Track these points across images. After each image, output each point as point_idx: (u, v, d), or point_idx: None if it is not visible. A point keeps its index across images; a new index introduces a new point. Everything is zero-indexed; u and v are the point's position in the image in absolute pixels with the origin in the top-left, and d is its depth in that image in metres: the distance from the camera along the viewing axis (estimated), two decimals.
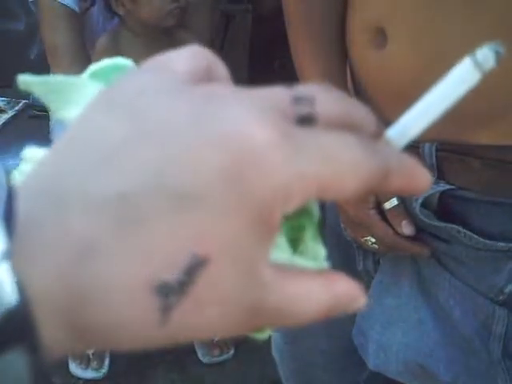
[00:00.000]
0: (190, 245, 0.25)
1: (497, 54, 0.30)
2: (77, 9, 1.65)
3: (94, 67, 0.34)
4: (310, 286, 0.28)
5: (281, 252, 0.29)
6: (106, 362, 1.99)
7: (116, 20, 1.72)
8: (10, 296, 0.23)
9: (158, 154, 0.25)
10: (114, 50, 1.63)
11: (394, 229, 0.86)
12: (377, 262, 1.01)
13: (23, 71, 0.33)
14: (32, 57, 2.41)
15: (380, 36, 0.81)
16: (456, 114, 0.79)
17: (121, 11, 1.65)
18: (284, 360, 1.29)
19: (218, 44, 2.21)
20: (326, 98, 0.29)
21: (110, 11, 1.67)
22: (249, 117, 0.26)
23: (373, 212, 0.86)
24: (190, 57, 0.29)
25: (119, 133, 0.25)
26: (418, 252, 0.88)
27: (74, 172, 0.25)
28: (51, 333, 0.25)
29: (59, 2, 1.62)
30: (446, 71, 0.76)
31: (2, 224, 0.24)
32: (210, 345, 2.04)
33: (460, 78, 0.31)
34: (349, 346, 1.05)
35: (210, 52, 0.30)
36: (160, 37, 1.70)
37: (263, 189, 0.25)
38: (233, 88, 0.28)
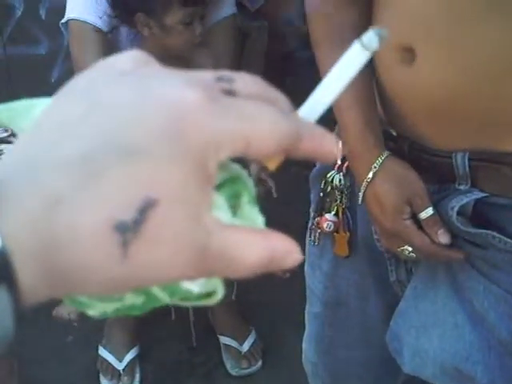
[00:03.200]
0: (142, 189, 0.29)
1: (380, 37, 0.36)
2: (105, 28, 1.69)
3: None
4: (250, 237, 0.32)
5: (222, 213, 0.33)
6: (137, 377, 2.02)
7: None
8: None
9: (110, 121, 0.30)
10: None
11: (430, 237, 0.89)
12: (409, 272, 1.03)
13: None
14: (53, 80, 2.44)
15: (408, 53, 0.83)
16: (488, 123, 0.82)
17: (145, 33, 1.69)
18: (317, 372, 1.30)
19: (235, 63, 2.24)
20: (244, 80, 0.34)
21: (135, 30, 1.70)
22: (182, 84, 0.31)
23: (409, 222, 0.88)
24: (129, 57, 0.35)
25: (78, 111, 0.31)
26: (454, 258, 0.90)
27: (43, 143, 0.30)
28: (28, 278, 0.29)
29: (88, 23, 1.67)
30: (476, 86, 0.79)
31: None
32: (238, 357, 2.06)
33: (351, 59, 0.36)
34: (384, 354, 1.07)
35: (147, 55, 0.36)
36: (178, 61, 1.74)
37: (198, 141, 0.30)
38: (166, 69, 0.34)
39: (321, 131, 0.34)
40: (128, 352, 2.01)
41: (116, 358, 2.00)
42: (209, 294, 0.35)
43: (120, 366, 1.99)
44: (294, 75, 1.98)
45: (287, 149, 0.33)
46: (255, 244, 0.32)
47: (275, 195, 1.93)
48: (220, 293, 0.34)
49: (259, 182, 1.90)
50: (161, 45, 1.69)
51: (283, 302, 2.19)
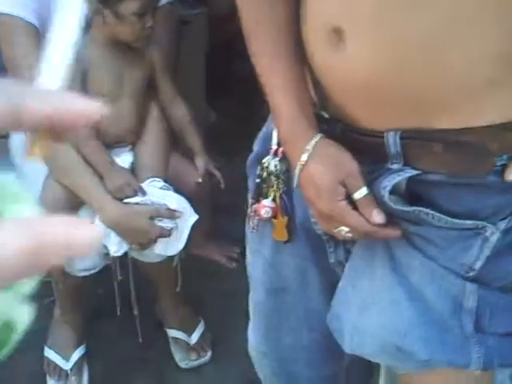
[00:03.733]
0: None
1: None
2: (37, 23, 1.65)
3: None
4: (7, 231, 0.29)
5: None
6: (85, 376, 1.99)
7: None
8: None
9: None
10: (81, 62, 1.64)
11: (365, 217, 0.89)
12: (348, 252, 1.04)
13: None
14: None
15: (336, 34, 0.83)
16: (416, 102, 0.84)
17: (98, 20, 1.66)
18: (264, 360, 1.30)
19: (176, 50, 2.23)
20: None
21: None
22: None
23: (344, 203, 0.89)
24: None
25: None
26: (391, 235, 0.91)
27: None
28: None
29: (19, 17, 1.63)
30: (404, 65, 0.80)
31: None
32: (187, 349, 2.06)
33: (67, 7, 0.36)
34: (329, 336, 1.08)
35: None
36: (127, 49, 1.72)
37: None
38: None
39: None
40: (75, 351, 1.98)
41: (62, 358, 1.97)
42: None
43: (67, 366, 1.96)
44: (240, 60, 1.97)
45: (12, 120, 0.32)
46: (12, 237, 0.28)
47: (223, 186, 1.93)
48: (22, 325, 0.30)
49: (207, 174, 1.90)
50: (113, 34, 1.69)
51: (231, 290, 2.19)
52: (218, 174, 1.91)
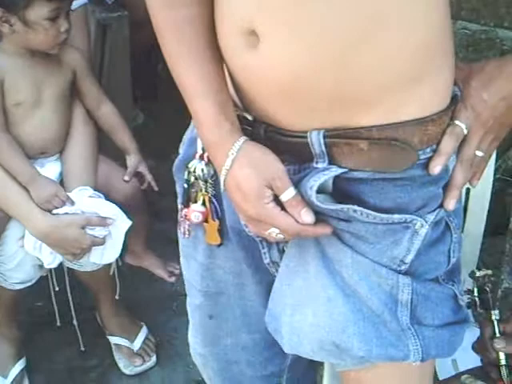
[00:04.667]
0: None
1: None
2: None
3: None
4: None
5: None
6: None
7: None
8: None
9: None
10: None
11: (294, 218, 0.89)
12: (282, 251, 1.04)
13: None
14: None
15: (252, 37, 0.82)
16: (336, 101, 0.83)
17: (6, 30, 1.60)
18: (207, 362, 1.29)
19: (99, 55, 2.18)
20: None
21: None
22: None
23: (272, 205, 0.88)
24: None
25: None
26: (321, 233, 0.90)
27: None
28: None
29: None
30: (322, 65, 0.80)
31: None
32: (131, 355, 2.03)
33: None
34: (269, 337, 1.07)
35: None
36: (44, 56, 1.67)
37: None
38: None
39: None
40: (13, 366, 1.92)
41: (0, 375, 1.91)
42: None
43: (6, 382, 1.91)
44: (165, 61, 1.95)
45: None
46: None
47: (156, 188, 1.90)
48: None
49: (137, 175, 1.87)
50: (24, 42, 1.62)
51: (172, 293, 2.18)
52: (149, 175, 1.88)
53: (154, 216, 2.26)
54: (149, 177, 1.88)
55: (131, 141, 1.86)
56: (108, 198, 1.75)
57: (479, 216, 1.56)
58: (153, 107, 2.90)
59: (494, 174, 1.59)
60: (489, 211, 1.57)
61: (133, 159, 1.85)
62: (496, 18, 2.21)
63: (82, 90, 1.78)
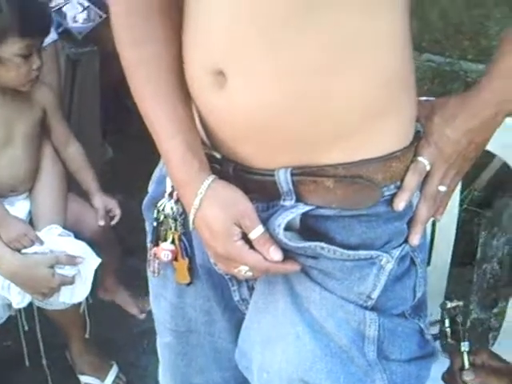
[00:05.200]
0: None
1: None
2: None
3: None
4: None
5: None
6: None
7: None
8: None
9: None
10: None
11: (263, 255, 0.89)
12: (252, 289, 1.04)
13: None
14: None
15: (219, 76, 0.84)
16: (303, 140, 0.84)
17: None
18: None
19: (68, 90, 2.19)
20: None
21: None
22: None
23: (240, 243, 0.88)
24: None
25: None
26: (290, 270, 0.91)
27: None
28: None
29: None
30: (288, 105, 0.81)
31: None
32: None
33: None
34: (239, 374, 1.07)
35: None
36: (14, 93, 1.67)
37: None
38: None
39: None
40: None
41: None
42: None
43: None
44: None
45: None
46: None
47: (115, 222, 1.89)
48: None
49: (106, 214, 1.86)
50: None
51: (143, 331, 2.15)
52: (118, 210, 1.87)
53: (125, 252, 2.25)
54: (118, 212, 1.87)
55: (95, 183, 1.86)
56: (78, 235, 1.74)
57: (445, 248, 1.58)
58: (122, 142, 2.89)
59: (460, 205, 1.61)
60: (456, 241, 1.58)
61: (97, 200, 1.85)
62: (460, 50, 2.26)
63: (51, 128, 1.79)
